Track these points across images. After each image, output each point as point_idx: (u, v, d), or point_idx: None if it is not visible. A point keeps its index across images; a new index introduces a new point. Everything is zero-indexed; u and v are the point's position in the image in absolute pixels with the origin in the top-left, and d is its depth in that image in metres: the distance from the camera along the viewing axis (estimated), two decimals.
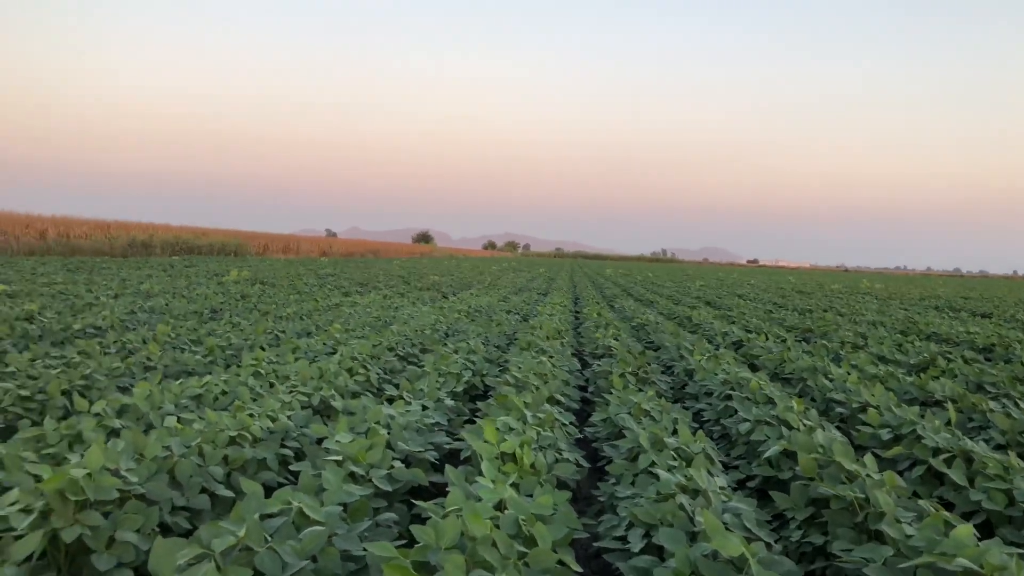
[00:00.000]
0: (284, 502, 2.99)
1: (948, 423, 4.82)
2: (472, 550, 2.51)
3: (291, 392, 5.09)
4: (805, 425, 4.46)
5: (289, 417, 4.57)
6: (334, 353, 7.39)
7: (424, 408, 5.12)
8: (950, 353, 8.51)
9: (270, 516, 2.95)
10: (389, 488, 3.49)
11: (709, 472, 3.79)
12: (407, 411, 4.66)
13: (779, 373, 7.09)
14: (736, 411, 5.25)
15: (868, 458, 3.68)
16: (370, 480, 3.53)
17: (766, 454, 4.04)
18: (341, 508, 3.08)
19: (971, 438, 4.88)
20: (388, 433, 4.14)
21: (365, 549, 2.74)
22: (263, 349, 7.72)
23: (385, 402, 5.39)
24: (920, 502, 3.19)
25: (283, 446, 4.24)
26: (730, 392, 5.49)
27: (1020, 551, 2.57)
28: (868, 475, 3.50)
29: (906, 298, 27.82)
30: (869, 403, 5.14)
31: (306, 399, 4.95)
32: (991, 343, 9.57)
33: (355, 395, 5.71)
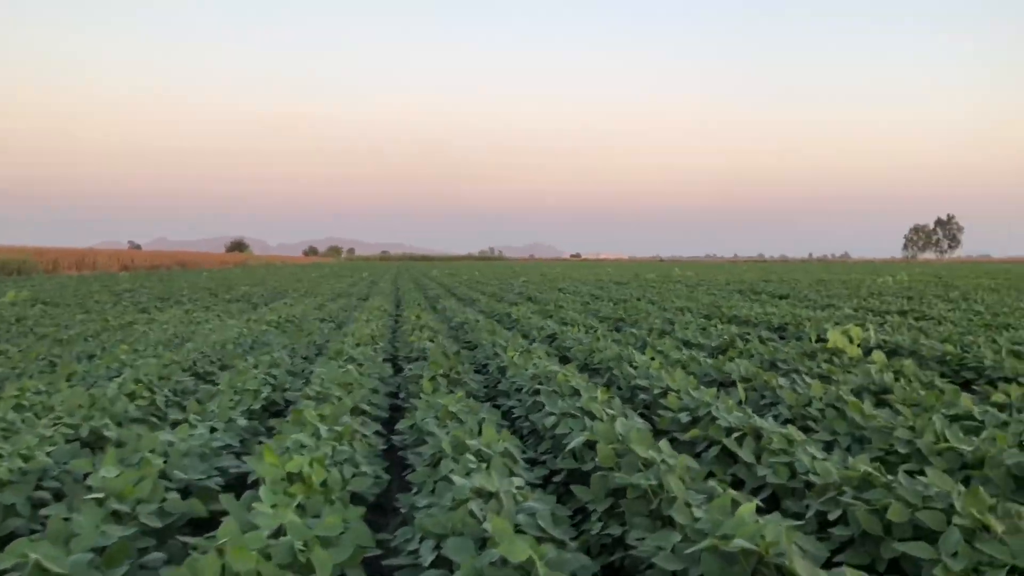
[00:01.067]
0: (19, 555, 2.57)
1: (740, 402, 5.02)
2: None
3: (55, 424, 4.50)
4: (608, 414, 4.48)
5: (49, 454, 4.02)
6: (119, 376, 6.71)
7: (213, 430, 4.70)
8: (748, 334, 9.04)
9: (2, 574, 2.52)
10: (159, 524, 3.11)
11: (512, 472, 3.69)
12: (191, 435, 4.24)
13: (588, 364, 7.20)
14: (544, 406, 5.22)
15: (663, 443, 3.72)
16: (136, 517, 3.13)
17: (569, 446, 4.00)
18: (93, 554, 2.69)
19: (761, 415, 5.13)
20: (165, 462, 3.73)
21: None
22: (31, 378, 6.90)
23: (169, 427, 4.92)
24: (711, 483, 3.24)
25: (40, 487, 3.72)
26: (538, 387, 5.47)
27: (796, 523, 2.64)
28: (663, 460, 3.53)
29: (713, 284, 29.72)
30: (670, 387, 5.28)
31: (72, 431, 4.40)
32: (785, 322, 10.29)
33: (138, 421, 5.17)
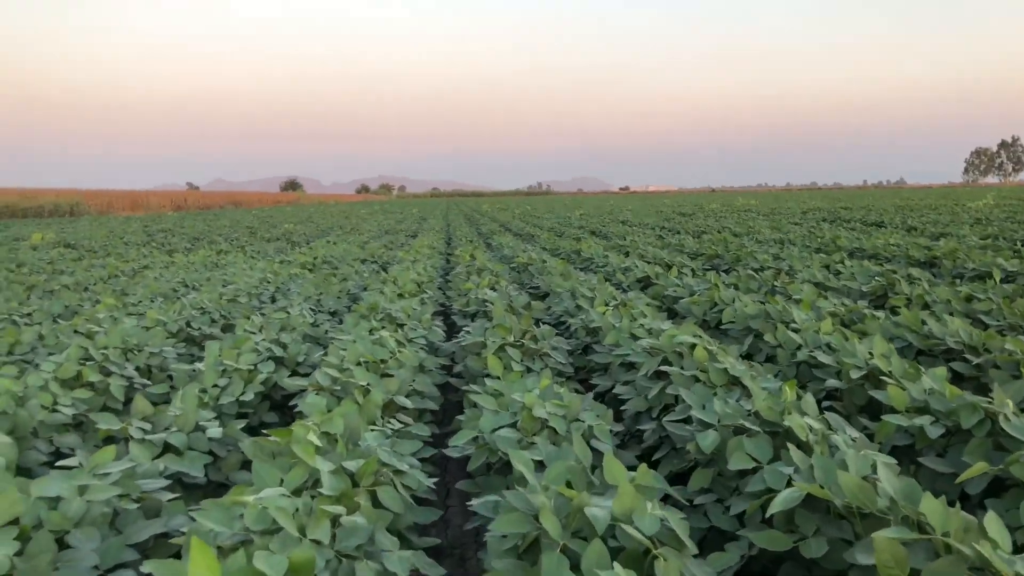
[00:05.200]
0: None
1: None
2: None
3: None
4: (810, 429, 2.60)
5: None
6: (92, 339, 5.01)
7: (166, 450, 2.96)
8: (893, 271, 7.00)
9: None
10: None
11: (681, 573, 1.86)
12: (103, 472, 2.48)
13: (710, 322, 5.29)
14: (677, 399, 3.36)
15: (999, 535, 1.83)
16: None
17: (771, 509, 2.14)
18: None
19: None
20: (26, 539, 1.99)
21: None
22: None
23: (91, 448, 3.19)
24: None
25: None
26: (664, 368, 3.59)
27: None
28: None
29: (787, 212, 27.23)
30: (879, 370, 3.35)
31: None
32: (933, 256, 8.15)
33: (68, 428, 3.47)
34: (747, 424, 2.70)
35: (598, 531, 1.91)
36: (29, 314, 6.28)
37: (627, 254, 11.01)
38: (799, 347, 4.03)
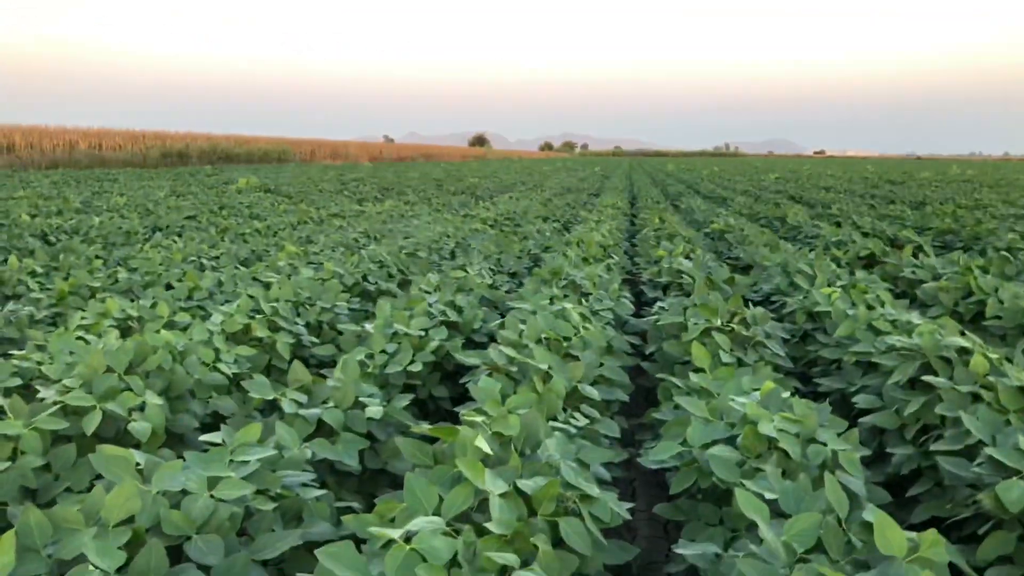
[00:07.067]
0: None
1: None
2: None
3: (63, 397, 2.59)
4: None
5: None
6: (267, 289, 4.84)
7: (317, 431, 2.59)
8: None
9: None
10: None
11: None
12: (243, 461, 2.12)
13: (963, 314, 4.33)
14: (943, 421, 2.58)
15: None
16: None
17: None
18: None
19: None
20: None
21: None
22: (170, 288, 5.27)
23: (254, 415, 2.88)
24: None
25: None
26: (918, 374, 2.80)
27: None
28: None
29: (1018, 185, 24.00)
30: None
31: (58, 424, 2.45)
32: None
33: (226, 390, 3.21)
34: None
35: None
36: (217, 257, 6.31)
37: (838, 224, 9.81)
38: None
